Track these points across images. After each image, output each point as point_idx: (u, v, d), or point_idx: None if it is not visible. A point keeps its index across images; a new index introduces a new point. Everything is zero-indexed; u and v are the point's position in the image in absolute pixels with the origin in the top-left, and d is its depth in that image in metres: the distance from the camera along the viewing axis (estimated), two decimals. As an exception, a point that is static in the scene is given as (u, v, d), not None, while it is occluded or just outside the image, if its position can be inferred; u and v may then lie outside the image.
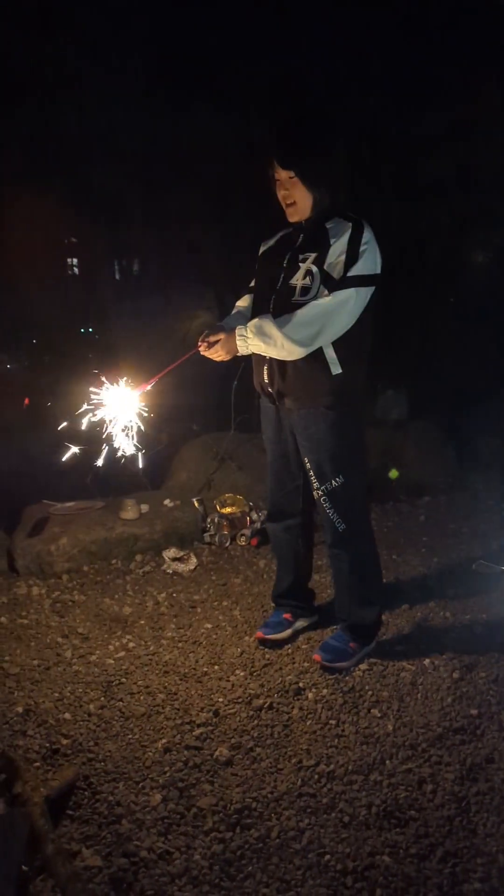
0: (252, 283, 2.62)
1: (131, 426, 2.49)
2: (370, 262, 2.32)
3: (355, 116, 5.59)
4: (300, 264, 2.37)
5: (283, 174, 2.38)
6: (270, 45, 5.42)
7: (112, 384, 2.46)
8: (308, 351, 2.33)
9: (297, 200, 2.39)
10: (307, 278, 2.34)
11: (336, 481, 2.46)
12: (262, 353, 2.39)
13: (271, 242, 2.59)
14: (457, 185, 7.07)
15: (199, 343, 2.44)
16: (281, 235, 2.57)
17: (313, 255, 2.34)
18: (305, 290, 2.34)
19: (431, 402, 5.45)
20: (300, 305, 2.32)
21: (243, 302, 2.63)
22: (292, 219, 2.45)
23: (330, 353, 2.36)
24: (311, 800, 1.99)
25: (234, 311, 2.66)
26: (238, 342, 2.37)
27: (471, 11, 5.35)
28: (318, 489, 2.49)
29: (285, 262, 2.43)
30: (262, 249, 2.62)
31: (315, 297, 2.31)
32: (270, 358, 2.43)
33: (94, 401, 2.45)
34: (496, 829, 1.87)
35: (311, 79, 5.61)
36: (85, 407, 2.45)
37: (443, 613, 2.97)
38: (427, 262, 7.02)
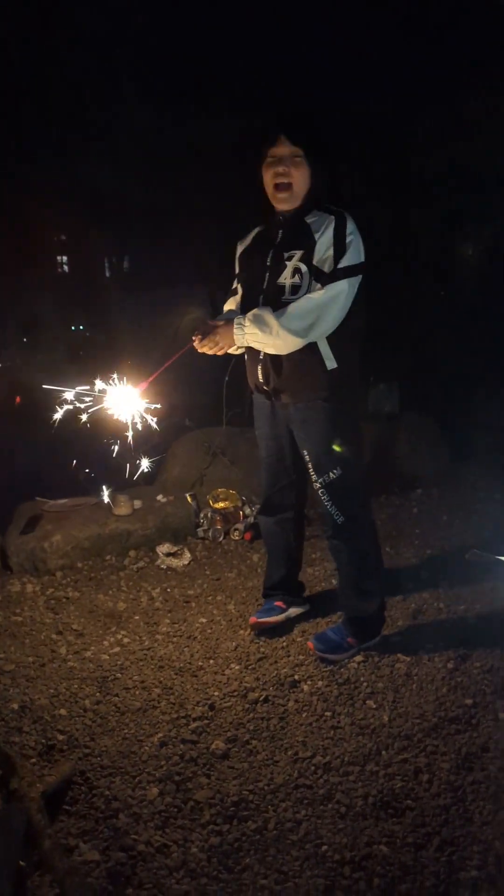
0: (235, 286, 2.59)
1: (134, 422, 2.48)
2: (356, 252, 2.32)
3: (352, 112, 5.59)
4: (286, 262, 2.34)
5: (287, 151, 2.31)
6: (265, 43, 5.41)
7: (111, 382, 2.45)
8: (302, 343, 2.32)
9: (296, 183, 2.33)
10: (296, 276, 2.32)
11: (333, 473, 2.46)
12: (258, 343, 2.37)
13: (248, 241, 2.55)
14: (450, 181, 7.09)
15: (193, 338, 2.43)
16: (257, 233, 2.52)
17: (299, 253, 2.32)
18: (295, 288, 2.33)
19: (424, 396, 5.46)
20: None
21: (230, 305, 2.60)
22: (280, 205, 2.38)
23: (324, 348, 2.36)
24: (308, 791, 1.99)
25: (224, 314, 2.62)
26: (235, 331, 2.36)
27: (470, 11, 5.34)
28: (316, 481, 2.49)
29: (269, 260, 2.40)
30: (239, 249, 2.58)
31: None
32: (265, 356, 2.42)
33: (93, 398, 2.45)
34: (492, 817, 1.88)
35: (309, 75, 5.60)
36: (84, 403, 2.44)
37: (436, 604, 2.98)
38: (420, 257, 7.04)
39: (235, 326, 2.36)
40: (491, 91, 5.72)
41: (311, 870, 1.75)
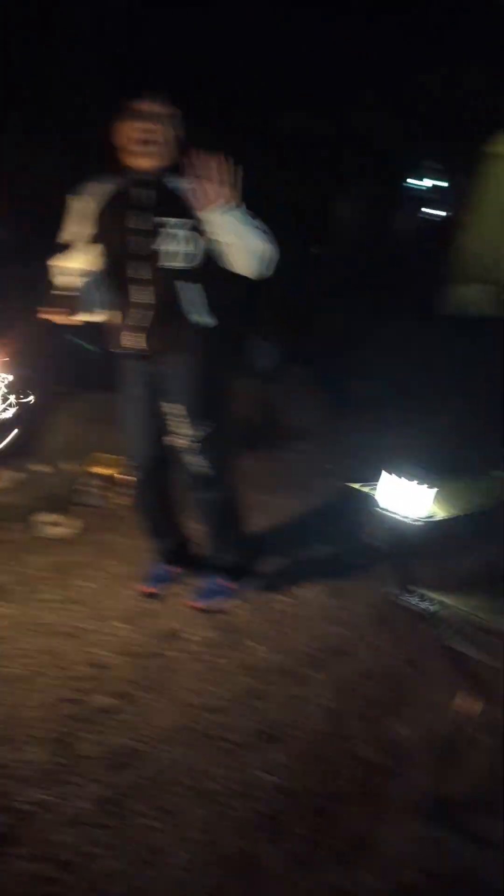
0: (67, 239, 2.45)
1: None
2: None
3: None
4: (169, 229, 2.28)
5: (158, 109, 2.24)
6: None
7: None
8: (264, 271, 2.30)
9: (163, 145, 2.25)
10: (190, 245, 2.28)
11: (206, 427, 2.47)
12: (243, 228, 2.21)
13: (102, 200, 2.37)
14: (324, 139, 7.18)
15: (46, 310, 2.33)
16: (115, 193, 2.36)
17: (182, 220, 2.26)
18: (189, 256, 2.29)
19: (303, 351, 5.57)
20: (188, 272, 2.29)
21: (73, 263, 2.44)
22: (140, 162, 2.28)
23: (199, 305, 2.37)
24: (196, 734, 2.04)
25: (69, 274, 2.43)
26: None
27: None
28: (187, 436, 2.50)
29: (144, 223, 2.30)
30: (89, 206, 2.39)
31: (200, 264, 2.30)
32: (137, 320, 2.38)
33: None
34: (368, 734, 2.00)
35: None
36: None
37: (316, 546, 3.08)
38: (296, 214, 7.10)
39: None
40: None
41: (201, 807, 1.80)
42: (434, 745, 1.90)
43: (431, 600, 1.62)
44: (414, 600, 1.63)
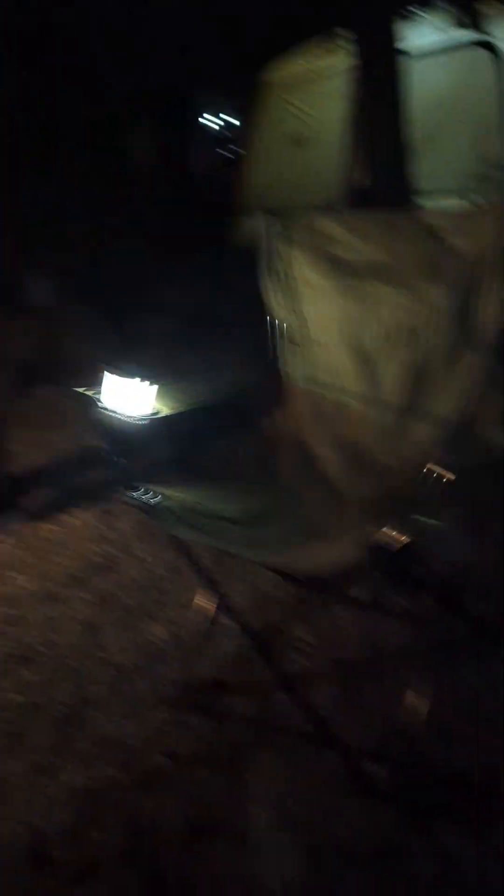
0: None
1: None
2: None
3: None
4: None
5: None
6: None
7: None
8: None
9: None
10: None
11: None
12: None
13: None
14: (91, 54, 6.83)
15: None
16: None
17: None
18: None
19: (88, 286, 5.39)
20: None
21: None
22: None
23: None
24: None
25: None
26: None
27: None
28: None
29: None
30: None
31: None
32: None
33: None
34: (123, 641, 1.99)
35: None
36: None
37: (86, 473, 3.00)
38: (67, 146, 6.79)
39: None
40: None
41: None
42: (182, 638, 1.94)
43: (154, 493, 1.62)
44: (138, 496, 1.61)
